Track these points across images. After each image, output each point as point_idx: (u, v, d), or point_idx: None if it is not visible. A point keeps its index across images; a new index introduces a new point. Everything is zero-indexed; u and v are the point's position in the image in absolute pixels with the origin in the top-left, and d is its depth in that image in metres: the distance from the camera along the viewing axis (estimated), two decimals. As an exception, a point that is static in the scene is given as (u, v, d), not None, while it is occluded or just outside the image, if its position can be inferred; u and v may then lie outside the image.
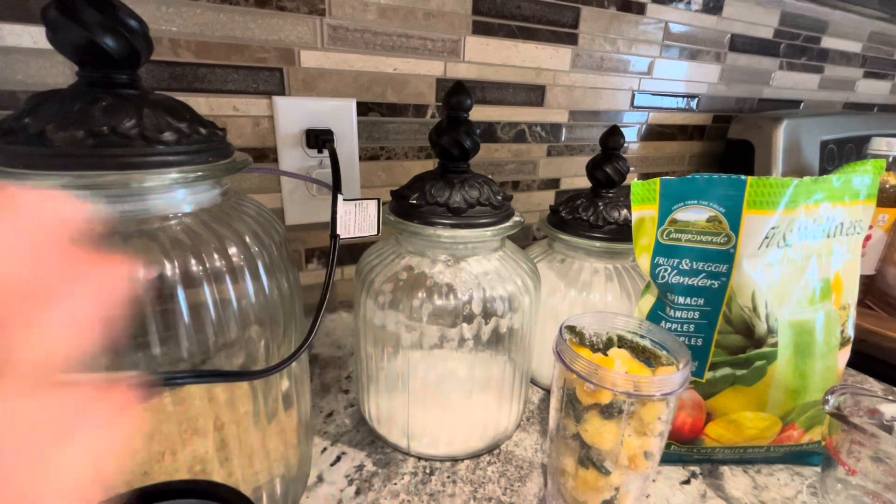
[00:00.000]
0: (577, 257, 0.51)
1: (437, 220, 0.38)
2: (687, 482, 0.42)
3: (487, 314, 0.39)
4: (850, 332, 0.42)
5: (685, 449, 0.42)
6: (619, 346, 0.36)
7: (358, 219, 0.36)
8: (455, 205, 0.38)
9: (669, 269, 0.39)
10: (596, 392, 0.31)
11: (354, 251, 0.68)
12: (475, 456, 0.43)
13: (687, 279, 0.39)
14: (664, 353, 0.34)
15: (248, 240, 0.29)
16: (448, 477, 0.41)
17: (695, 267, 0.39)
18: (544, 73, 0.72)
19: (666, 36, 0.81)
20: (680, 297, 0.39)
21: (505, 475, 0.41)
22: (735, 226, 0.37)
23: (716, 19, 0.85)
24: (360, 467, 0.41)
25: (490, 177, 0.43)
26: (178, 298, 0.25)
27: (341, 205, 0.35)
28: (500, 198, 0.40)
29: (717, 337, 0.39)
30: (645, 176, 0.91)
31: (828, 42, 1.02)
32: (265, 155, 0.58)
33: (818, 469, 0.44)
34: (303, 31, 0.55)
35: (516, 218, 0.42)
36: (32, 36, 0.44)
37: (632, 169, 0.90)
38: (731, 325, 0.39)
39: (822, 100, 1.10)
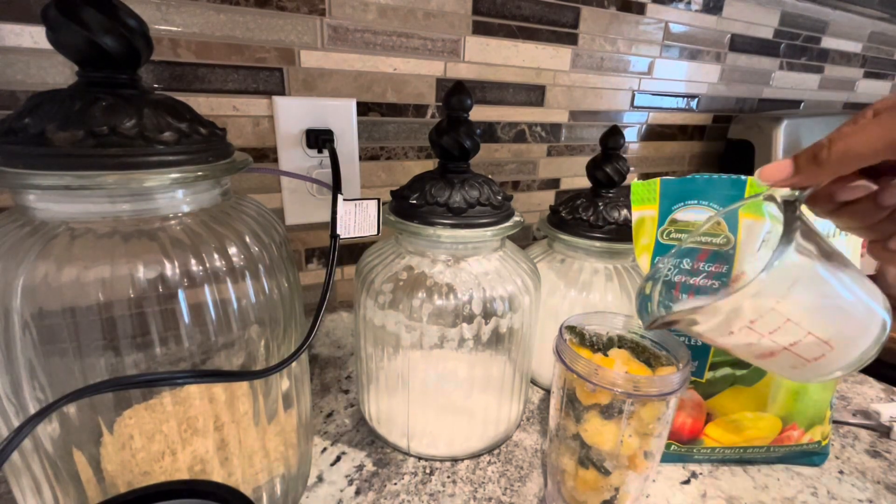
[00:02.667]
0: (577, 257, 0.51)
1: (437, 220, 0.38)
2: (687, 482, 0.42)
3: (487, 314, 0.39)
4: (850, 332, 0.42)
5: (685, 449, 0.42)
6: (619, 346, 0.36)
7: (358, 219, 0.36)
8: (455, 205, 0.38)
9: (670, 269, 0.39)
10: (596, 392, 0.31)
11: (354, 251, 0.68)
12: (475, 456, 0.43)
13: (687, 279, 0.39)
14: (664, 353, 0.34)
15: (248, 240, 0.29)
16: (448, 477, 0.41)
17: (695, 267, 0.39)
18: (544, 73, 0.72)
19: (666, 36, 0.81)
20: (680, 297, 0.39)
21: (505, 475, 0.41)
22: (734, 227, 0.37)
23: (716, 19, 0.85)
24: (360, 467, 0.41)
25: (490, 177, 0.43)
26: (179, 298, 0.25)
27: (341, 205, 0.35)
28: (500, 198, 0.40)
29: (717, 337, 0.39)
30: (645, 176, 0.91)
31: (828, 42, 1.02)
32: (265, 155, 0.58)
33: (818, 469, 0.44)
34: (303, 31, 0.55)
35: (516, 218, 0.42)
36: (32, 36, 0.44)
37: (632, 169, 0.90)
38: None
39: (822, 100, 1.10)
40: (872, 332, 0.26)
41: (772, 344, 0.26)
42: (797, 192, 0.26)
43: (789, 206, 0.25)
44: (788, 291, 0.24)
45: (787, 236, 0.23)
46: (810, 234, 0.25)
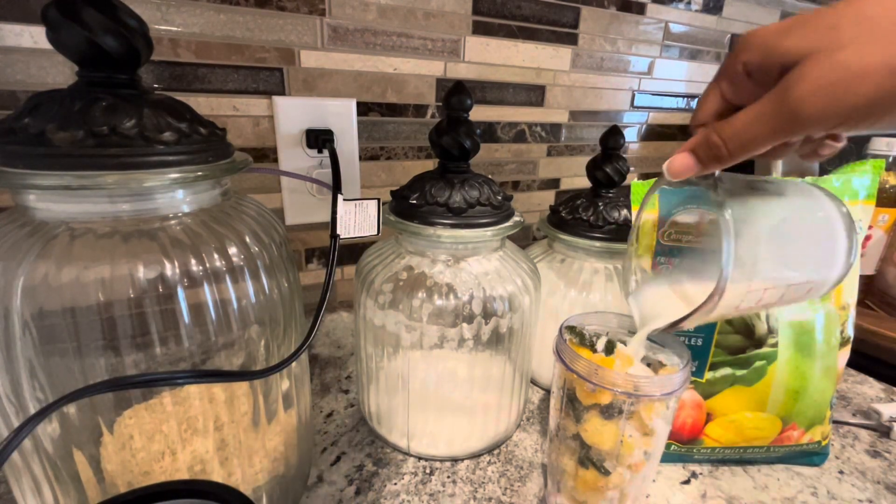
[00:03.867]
0: (577, 257, 0.51)
1: (437, 220, 0.38)
2: (687, 482, 0.42)
3: (487, 314, 0.39)
4: (850, 332, 0.42)
5: (685, 449, 0.42)
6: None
7: (358, 219, 0.36)
8: (455, 205, 0.38)
9: (671, 269, 0.39)
10: (596, 392, 0.31)
11: (354, 251, 0.68)
12: (475, 456, 0.43)
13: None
14: (664, 355, 0.34)
15: (248, 240, 0.29)
16: (448, 477, 0.41)
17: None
18: (544, 73, 0.72)
19: (666, 36, 0.81)
20: (680, 297, 0.39)
21: (505, 475, 0.41)
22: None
23: (716, 19, 0.85)
24: (360, 467, 0.41)
25: (490, 177, 0.43)
26: (179, 298, 0.25)
27: (341, 205, 0.35)
28: (500, 198, 0.40)
29: (717, 337, 0.39)
30: (645, 176, 0.91)
31: (828, 42, 1.02)
32: (265, 155, 0.58)
33: (818, 469, 0.44)
34: (303, 31, 0.55)
35: (516, 218, 0.42)
36: (32, 36, 0.44)
37: (632, 169, 0.90)
38: (732, 325, 0.39)
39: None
40: (841, 248, 0.26)
41: (763, 307, 0.27)
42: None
43: (709, 183, 0.25)
44: (753, 273, 0.25)
45: (726, 235, 0.24)
46: (738, 190, 0.25)
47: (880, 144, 0.71)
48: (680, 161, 0.25)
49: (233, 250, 0.28)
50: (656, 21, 0.79)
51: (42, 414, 0.20)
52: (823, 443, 0.43)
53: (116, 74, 0.25)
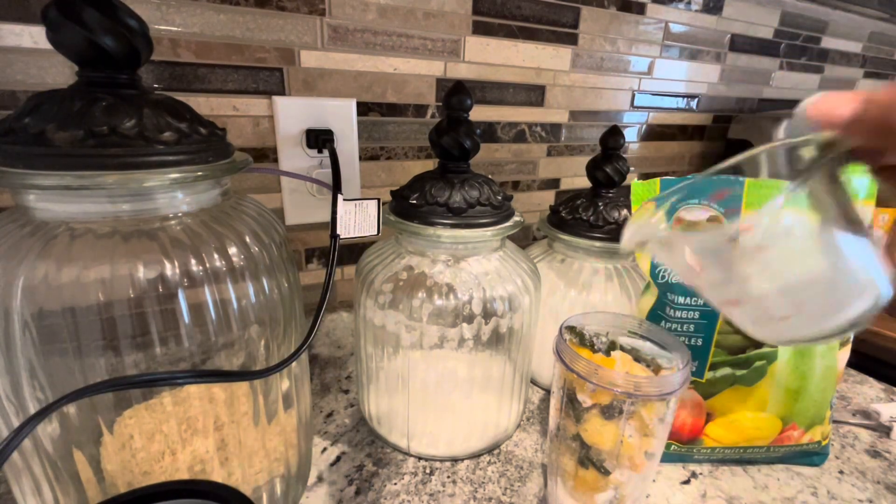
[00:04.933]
0: (577, 257, 0.51)
1: (437, 220, 0.38)
2: (687, 482, 0.42)
3: (487, 314, 0.39)
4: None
5: (685, 449, 0.42)
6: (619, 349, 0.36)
7: (358, 219, 0.36)
8: (455, 205, 0.38)
9: (670, 269, 0.39)
10: (596, 392, 0.31)
11: (354, 251, 0.68)
12: (475, 456, 0.43)
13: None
14: (665, 358, 0.34)
15: (248, 240, 0.29)
16: (448, 477, 0.41)
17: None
18: (544, 73, 0.72)
19: (666, 36, 0.81)
20: (680, 297, 0.39)
21: (505, 475, 0.41)
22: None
23: (716, 19, 0.85)
24: (360, 467, 0.41)
25: (490, 177, 0.43)
26: (179, 298, 0.25)
27: (341, 205, 0.35)
28: (500, 198, 0.40)
29: (717, 337, 0.39)
30: (645, 176, 0.91)
31: (828, 42, 1.02)
32: (265, 155, 0.58)
33: (818, 469, 0.44)
34: (303, 31, 0.55)
35: (516, 218, 0.42)
36: (32, 36, 0.44)
37: (632, 169, 0.89)
38: (732, 324, 0.39)
39: (822, 100, 1.10)
40: (858, 307, 0.22)
41: (740, 291, 0.23)
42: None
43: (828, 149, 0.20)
44: (781, 238, 0.21)
45: (812, 172, 0.19)
46: (836, 191, 0.21)
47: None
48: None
49: (233, 250, 0.28)
50: (656, 21, 0.79)
51: (42, 414, 0.20)
52: (823, 443, 0.43)
53: (116, 74, 0.25)
